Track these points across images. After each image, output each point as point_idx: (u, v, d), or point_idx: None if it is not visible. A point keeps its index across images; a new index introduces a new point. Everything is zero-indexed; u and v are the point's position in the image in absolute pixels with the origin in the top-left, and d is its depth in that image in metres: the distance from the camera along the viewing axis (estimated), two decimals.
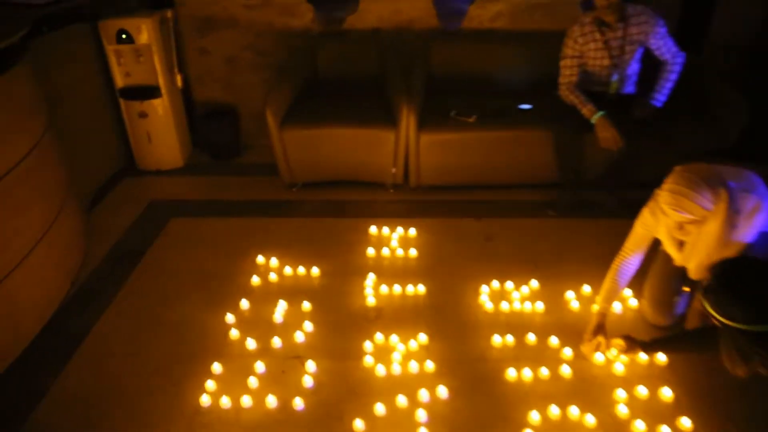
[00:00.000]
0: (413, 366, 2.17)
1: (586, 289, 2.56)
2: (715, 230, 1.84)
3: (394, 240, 2.99)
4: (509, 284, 2.61)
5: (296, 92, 3.57)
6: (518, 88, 3.68)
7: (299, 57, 3.77)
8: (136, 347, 2.32)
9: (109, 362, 2.25)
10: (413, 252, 2.88)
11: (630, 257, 2.21)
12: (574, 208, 3.23)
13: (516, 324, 2.40)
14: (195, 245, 3.00)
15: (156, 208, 3.40)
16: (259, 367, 2.18)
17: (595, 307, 2.31)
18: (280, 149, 3.34)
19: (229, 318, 2.44)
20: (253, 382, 2.12)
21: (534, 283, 2.61)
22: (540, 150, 3.21)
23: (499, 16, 3.79)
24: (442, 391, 2.06)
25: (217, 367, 2.18)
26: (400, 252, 2.89)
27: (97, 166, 3.59)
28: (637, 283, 2.36)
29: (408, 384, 2.10)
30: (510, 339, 2.30)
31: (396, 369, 2.17)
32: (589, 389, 2.09)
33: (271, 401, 2.03)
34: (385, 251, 2.89)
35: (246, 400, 2.03)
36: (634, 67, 3.13)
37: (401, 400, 2.02)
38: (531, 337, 2.30)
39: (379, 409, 1.99)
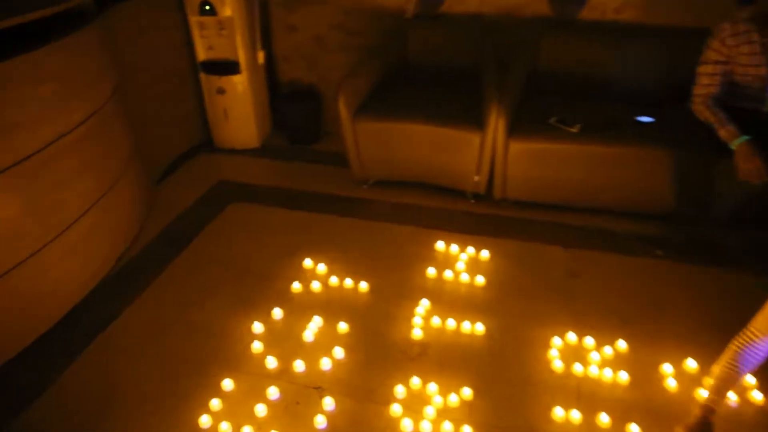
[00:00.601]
0: (447, 428, 1.78)
1: (691, 364, 2.00)
2: None
3: (462, 261, 2.58)
4: (589, 340, 2.11)
5: (379, 79, 3.23)
6: (641, 96, 3.04)
7: (389, 40, 3.41)
8: (150, 348, 2.14)
9: (117, 362, 2.09)
10: (480, 279, 2.46)
11: (760, 340, 1.64)
12: (689, 249, 2.61)
13: (588, 395, 1.91)
14: (246, 236, 2.79)
15: (220, 189, 3.26)
16: (273, 392, 1.92)
17: (702, 394, 1.77)
18: (352, 142, 3.03)
19: (256, 327, 2.19)
20: (261, 409, 1.86)
21: (621, 344, 2.09)
22: (656, 174, 2.62)
23: (626, 6, 3.15)
24: None
25: (227, 384, 1.95)
26: (464, 277, 2.47)
27: (173, 138, 3.52)
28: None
29: None
30: (576, 415, 1.82)
31: (426, 427, 1.79)
32: None
33: None
34: (448, 274, 2.49)
35: None
36: None
37: None
38: (604, 418, 1.81)
39: None
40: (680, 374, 1.98)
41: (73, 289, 2.35)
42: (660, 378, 1.97)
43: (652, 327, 2.18)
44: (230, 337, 2.17)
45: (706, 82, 2.52)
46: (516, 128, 2.79)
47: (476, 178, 2.96)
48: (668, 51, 2.98)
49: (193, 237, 2.80)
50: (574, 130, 2.76)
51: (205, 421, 1.82)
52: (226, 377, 1.96)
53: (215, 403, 1.87)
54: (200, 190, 3.24)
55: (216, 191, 3.23)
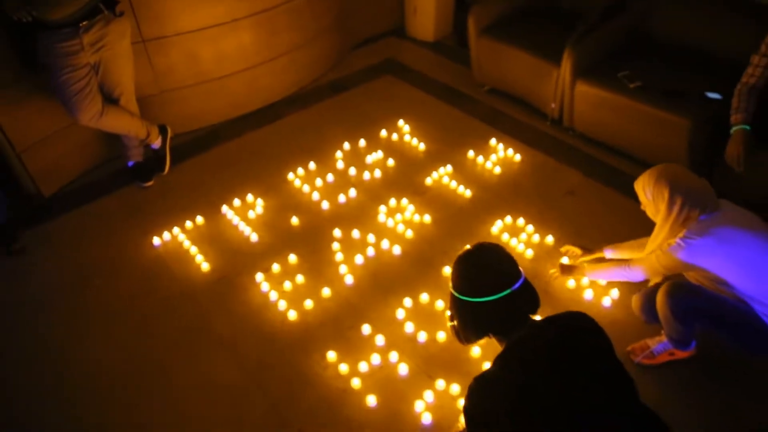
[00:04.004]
0: (407, 215, 3.01)
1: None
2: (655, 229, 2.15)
3: (495, 154, 3.52)
4: (529, 228, 2.99)
5: (516, 9, 3.99)
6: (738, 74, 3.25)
7: None
8: (292, 142, 3.74)
9: (282, 131, 3.75)
10: (497, 170, 3.41)
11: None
12: None
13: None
14: (375, 101, 4.12)
15: (387, 63, 4.58)
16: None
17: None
18: (475, 53, 4.00)
19: (361, 142, 3.60)
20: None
21: (549, 238, 2.93)
22: (675, 139, 3.05)
23: None
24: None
25: (311, 165, 3.44)
26: (488, 164, 3.45)
27: (376, 20, 4.84)
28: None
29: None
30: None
31: (398, 220, 3.05)
32: None
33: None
34: (480, 159, 3.48)
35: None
36: None
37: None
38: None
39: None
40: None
41: (268, 94, 4.06)
42: (552, 257, 2.82)
43: (584, 243, 2.91)
44: (338, 143, 3.62)
45: (750, 71, 2.81)
46: (587, 72, 3.41)
47: (552, 105, 3.70)
48: None
49: (350, 87, 4.25)
50: (631, 86, 3.28)
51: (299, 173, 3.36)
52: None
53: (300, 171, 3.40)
54: (374, 60, 4.61)
55: (383, 64, 4.57)
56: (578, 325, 1.61)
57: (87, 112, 2.94)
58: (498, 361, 1.57)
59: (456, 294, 1.67)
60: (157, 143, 3.37)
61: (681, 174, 2.09)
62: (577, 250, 2.71)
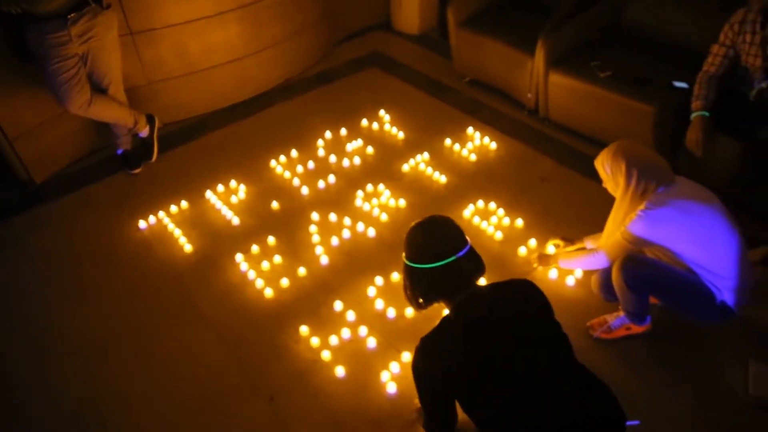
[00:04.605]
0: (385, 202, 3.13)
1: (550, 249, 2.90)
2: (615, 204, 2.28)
3: (471, 142, 3.63)
4: (500, 211, 3.11)
5: (497, 2, 4.11)
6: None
7: None
8: (274, 132, 3.87)
9: (266, 121, 3.88)
10: (473, 157, 3.53)
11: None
12: None
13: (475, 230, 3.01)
14: (359, 92, 4.24)
15: (371, 56, 4.70)
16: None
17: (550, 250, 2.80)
18: (455, 45, 4.12)
19: (343, 131, 3.73)
20: None
21: (519, 222, 3.05)
22: (642, 125, 3.17)
23: None
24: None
25: (293, 153, 3.57)
26: (464, 152, 3.56)
27: (361, 15, 4.94)
28: None
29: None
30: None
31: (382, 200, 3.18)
32: None
33: None
34: (456, 146, 3.60)
35: None
36: None
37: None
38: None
39: None
40: (536, 251, 2.91)
41: (256, 86, 4.19)
42: (520, 244, 2.94)
43: (554, 225, 3.04)
44: (319, 132, 3.75)
45: (710, 60, 2.93)
46: (561, 62, 3.52)
47: (529, 95, 3.81)
48: None
49: (335, 79, 4.38)
50: (602, 75, 3.39)
51: (277, 161, 3.49)
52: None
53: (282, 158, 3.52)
54: (361, 53, 4.73)
55: (367, 56, 4.69)
56: (519, 288, 1.74)
57: (76, 100, 3.07)
58: (441, 322, 1.70)
59: (407, 262, 1.79)
60: (144, 132, 3.50)
61: (637, 148, 2.21)
62: (561, 242, 2.79)
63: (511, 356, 1.58)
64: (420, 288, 1.79)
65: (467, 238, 1.79)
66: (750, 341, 2.44)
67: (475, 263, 1.78)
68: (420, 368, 1.68)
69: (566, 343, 1.67)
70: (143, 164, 3.56)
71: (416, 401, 2.28)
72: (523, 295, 1.72)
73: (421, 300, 1.81)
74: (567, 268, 2.70)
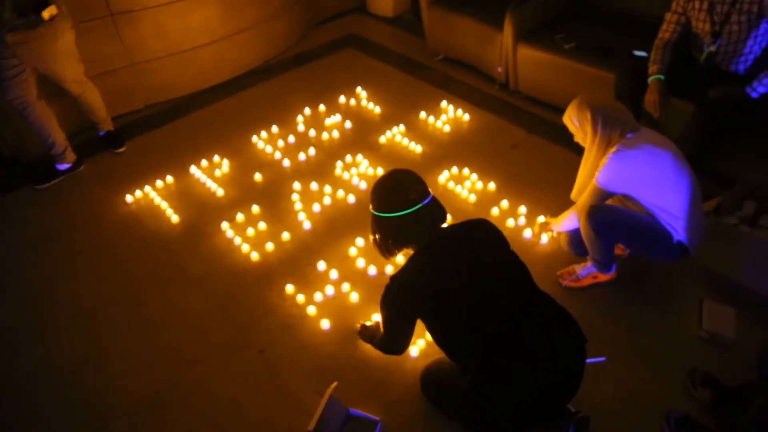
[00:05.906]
0: (363, 172, 3.28)
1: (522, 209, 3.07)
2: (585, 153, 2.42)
3: (445, 114, 3.80)
4: (474, 176, 3.28)
5: None
6: None
7: None
8: (255, 110, 3.99)
9: (242, 102, 3.99)
10: (447, 128, 3.69)
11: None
12: None
13: (450, 195, 3.17)
14: (336, 71, 4.37)
15: (348, 37, 4.83)
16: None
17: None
18: (427, 23, 4.27)
19: (321, 106, 3.86)
20: None
21: (491, 185, 3.22)
22: (604, 91, 3.35)
23: None
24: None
25: (274, 129, 3.69)
26: (438, 123, 3.72)
27: (335, 0, 5.11)
28: None
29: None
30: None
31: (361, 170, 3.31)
32: None
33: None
34: (431, 119, 3.76)
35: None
36: (749, 45, 2.88)
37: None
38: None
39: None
40: (508, 211, 3.08)
41: (235, 67, 4.30)
42: (493, 205, 3.11)
43: (524, 189, 3.21)
44: (299, 109, 3.88)
45: (664, 27, 3.12)
46: (528, 36, 3.70)
47: (499, 69, 3.99)
48: None
49: (313, 60, 4.50)
50: (566, 47, 3.57)
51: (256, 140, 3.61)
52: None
53: (263, 134, 3.65)
54: (337, 35, 4.86)
55: (346, 38, 4.82)
56: (479, 224, 1.91)
57: (13, 96, 3.09)
58: (409, 258, 1.85)
59: (375, 212, 1.91)
60: (62, 165, 3.43)
61: (599, 98, 2.36)
62: (545, 216, 2.90)
63: (477, 276, 1.74)
64: (388, 236, 1.92)
65: (429, 189, 1.92)
66: (703, 284, 2.65)
67: (438, 211, 1.91)
68: (389, 293, 1.83)
69: (526, 269, 1.84)
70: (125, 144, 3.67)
71: (362, 321, 2.46)
72: (484, 230, 1.89)
73: (390, 247, 1.95)
74: (563, 230, 2.75)
